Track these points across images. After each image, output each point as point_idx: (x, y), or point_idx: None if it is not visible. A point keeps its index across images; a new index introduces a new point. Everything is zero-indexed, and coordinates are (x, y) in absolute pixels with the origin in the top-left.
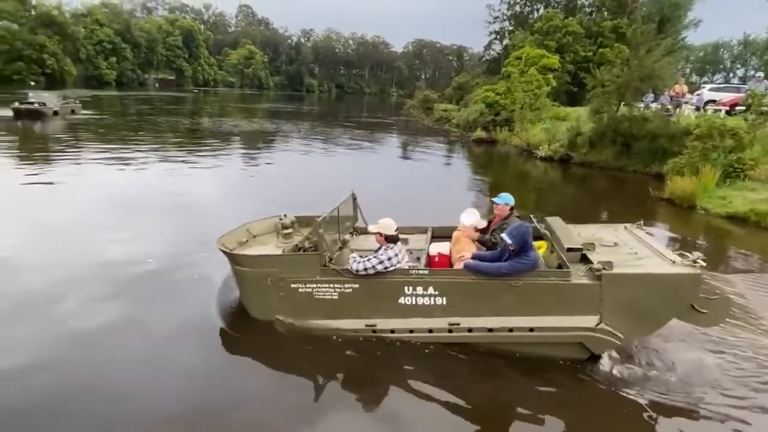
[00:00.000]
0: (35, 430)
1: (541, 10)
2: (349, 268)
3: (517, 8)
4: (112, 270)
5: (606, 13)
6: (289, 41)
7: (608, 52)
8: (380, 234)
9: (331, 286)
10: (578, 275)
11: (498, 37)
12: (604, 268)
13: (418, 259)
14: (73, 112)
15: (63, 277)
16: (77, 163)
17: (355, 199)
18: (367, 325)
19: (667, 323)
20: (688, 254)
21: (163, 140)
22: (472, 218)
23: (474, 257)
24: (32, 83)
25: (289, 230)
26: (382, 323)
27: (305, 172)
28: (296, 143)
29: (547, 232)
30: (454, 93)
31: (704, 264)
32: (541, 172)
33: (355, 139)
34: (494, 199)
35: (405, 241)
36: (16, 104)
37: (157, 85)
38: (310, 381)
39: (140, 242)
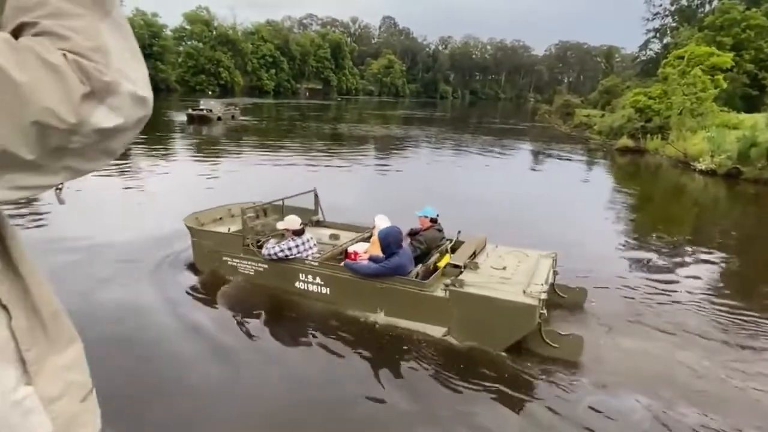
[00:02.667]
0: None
1: (714, 2)
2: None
3: (683, 2)
4: None
5: None
6: (427, 49)
7: None
8: (287, 228)
9: (249, 263)
10: (436, 288)
11: (657, 35)
12: (453, 285)
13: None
14: (233, 117)
15: None
16: (236, 159)
17: (316, 195)
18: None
19: (507, 344)
20: (542, 286)
21: (306, 142)
22: (384, 223)
23: (371, 258)
24: (210, 93)
25: (254, 214)
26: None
27: (425, 177)
28: (423, 148)
29: (448, 247)
30: (600, 97)
31: (544, 298)
32: (699, 187)
33: (484, 145)
34: (417, 212)
35: (336, 237)
36: (189, 111)
37: (306, 93)
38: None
39: None
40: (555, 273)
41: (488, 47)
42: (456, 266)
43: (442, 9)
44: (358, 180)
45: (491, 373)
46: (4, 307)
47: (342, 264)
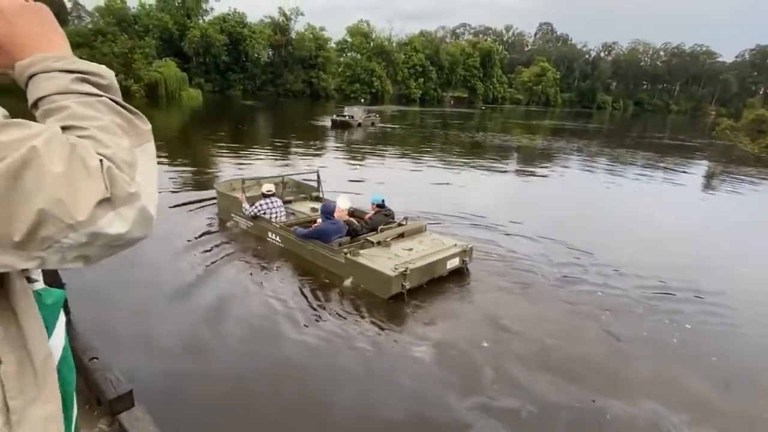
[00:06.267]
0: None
1: None
2: None
3: None
4: None
5: None
6: (586, 56)
7: None
8: (262, 193)
9: (244, 221)
10: (341, 255)
11: None
12: (348, 254)
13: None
14: (372, 124)
15: None
16: (362, 161)
17: (319, 176)
18: None
19: (387, 296)
20: (414, 265)
21: (439, 150)
22: (343, 203)
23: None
24: (362, 100)
25: (271, 186)
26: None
27: (567, 195)
28: (568, 162)
29: (384, 227)
30: None
31: (404, 273)
32: None
33: (645, 163)
34: (370, 199)
35: (316, 210)
36: (334, 116)
37: (452, 102)
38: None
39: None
40: (464, 261)
41: (661, 53)
42: (371, 242)
43: (606, 14)
44: (479, 193)
45: (370, 307)
46: None
47: (292, 229)
